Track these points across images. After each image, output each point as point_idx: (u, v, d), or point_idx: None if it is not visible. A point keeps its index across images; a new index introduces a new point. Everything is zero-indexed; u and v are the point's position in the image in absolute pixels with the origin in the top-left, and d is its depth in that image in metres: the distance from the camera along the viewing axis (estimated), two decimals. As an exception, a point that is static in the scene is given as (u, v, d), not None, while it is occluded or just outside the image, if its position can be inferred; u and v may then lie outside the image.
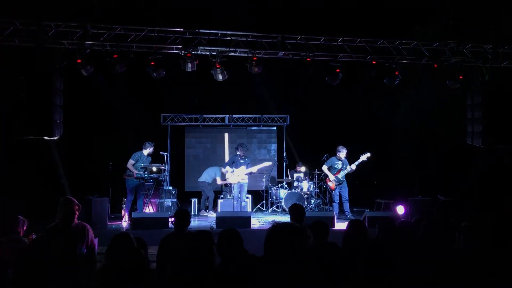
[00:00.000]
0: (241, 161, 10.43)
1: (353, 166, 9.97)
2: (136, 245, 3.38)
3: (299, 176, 11.39)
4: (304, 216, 5.23)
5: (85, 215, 8.27)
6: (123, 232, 3.42)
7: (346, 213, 10.05)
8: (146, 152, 9.92)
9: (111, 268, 3.03)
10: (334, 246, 4.09)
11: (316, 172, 11.23)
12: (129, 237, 3.42)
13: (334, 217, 8.80)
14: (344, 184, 10.12)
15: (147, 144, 9.95)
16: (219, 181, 11.33)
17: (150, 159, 10.08)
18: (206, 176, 11.34)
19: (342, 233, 4.42)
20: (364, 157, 9.96)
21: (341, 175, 10.05)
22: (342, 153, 10.08)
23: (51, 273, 2.85)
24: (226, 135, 13.61)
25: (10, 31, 8.21)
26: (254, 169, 10.54)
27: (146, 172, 9.73)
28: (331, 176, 10.12)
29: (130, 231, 8.15)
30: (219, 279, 2.96)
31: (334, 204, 10.15)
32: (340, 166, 10.11)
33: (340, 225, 8.64)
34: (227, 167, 10.56)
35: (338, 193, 10.11)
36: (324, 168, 10.29)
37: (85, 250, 4.47)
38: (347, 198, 10.09)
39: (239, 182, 10.38)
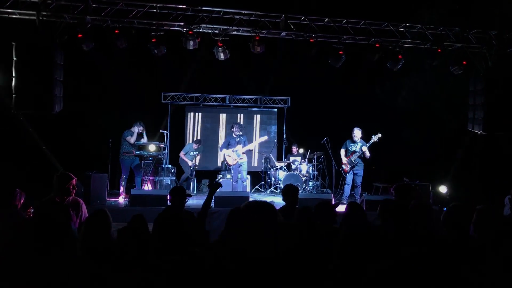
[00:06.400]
0: (237, 139, 10.23)
1: (364, 148, 9.51)
2: (111, 222, 3.34)
3: (295, 160, 11.36)
4: (297, 198, 5.23)
5: (84, 191, 8.31)
6: (100, 209, 3.39)
7: (356, 198, 9.67)
8: (134, 130, 9.87)
9: (85, 243, 3.12)
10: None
11: (316, 154, 11.20)
12: (103, 214, 3.36)
13: (332, 199, 8.81)
14: (358, 169, 9.70)
15: (138, 123, 9.90)
16: (183, 156, 11.16)
17: (140, 139, 10.04)
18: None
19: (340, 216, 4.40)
20: (375, 138, 9.55)
21: (353, 157, 9.65)
22: (356, 135, 9.63)
23: (45, 248, 2.85)
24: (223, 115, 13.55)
25: (10, 2, 8.10)
26: (251, 146, 10.39)
27: (144, 151, 9.74)
28: (343, 159, 9.77)
29: (129, 207, 8.20)
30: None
31: (345, 186, 9.84)
32: (355, 148, 9.66)
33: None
34: (224, 150, 10.43)
35: (352, 177, 9.73)
36: (341, 151, 9.89)
37: (78, 224, 4.49)
38: (359, 185, 9.77)
39: (237, 162, 10.31)
